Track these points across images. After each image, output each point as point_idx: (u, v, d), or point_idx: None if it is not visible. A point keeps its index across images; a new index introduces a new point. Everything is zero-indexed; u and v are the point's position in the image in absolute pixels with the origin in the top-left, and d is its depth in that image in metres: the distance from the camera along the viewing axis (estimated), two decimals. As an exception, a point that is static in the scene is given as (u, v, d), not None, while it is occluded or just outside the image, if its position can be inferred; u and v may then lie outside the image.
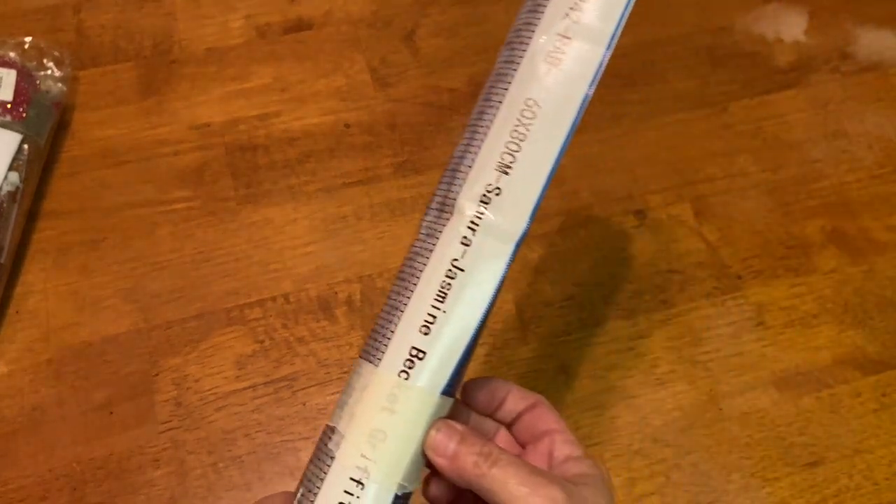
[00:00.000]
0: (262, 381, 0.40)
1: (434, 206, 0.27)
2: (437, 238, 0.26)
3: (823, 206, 0.47)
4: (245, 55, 0.51)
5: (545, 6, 0.26)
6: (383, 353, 0.25)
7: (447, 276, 0.25)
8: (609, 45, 0.25)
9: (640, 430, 0.40)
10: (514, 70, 0.25)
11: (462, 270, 0.25)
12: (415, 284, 0.25)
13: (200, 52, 0.51)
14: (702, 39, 0.53)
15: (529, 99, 0.25)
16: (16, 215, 0.42)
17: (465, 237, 0.25)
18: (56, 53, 0.47)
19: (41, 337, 0.41)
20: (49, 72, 0.46)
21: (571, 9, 0.25)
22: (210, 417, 0.39)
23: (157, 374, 0.40)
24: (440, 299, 0.25)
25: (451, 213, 0.25)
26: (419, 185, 0.46)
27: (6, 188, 0.41)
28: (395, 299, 0.26)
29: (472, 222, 0.25)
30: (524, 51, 0.25)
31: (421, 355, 0.25)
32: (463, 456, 0.24)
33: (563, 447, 0.26)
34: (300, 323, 0.42)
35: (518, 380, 0.41)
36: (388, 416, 0.24)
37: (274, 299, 0.42)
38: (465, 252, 0.25)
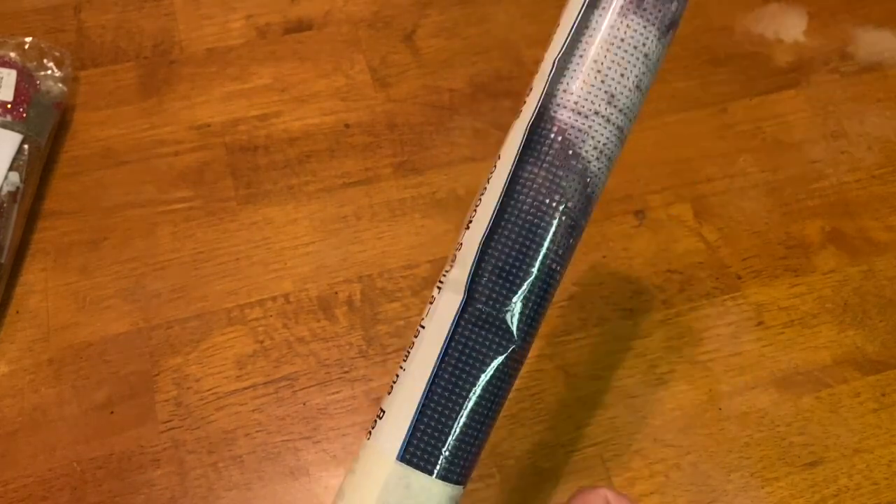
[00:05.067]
0: (263, 381, 0.40)
1: None
2: None
3: (823, 207, 0.47)
4: (245, 55, 0.51)
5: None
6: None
7: (413, 337, 0.24)
8: (548, 81, 0.24)
9: (640, 429, 0.40)
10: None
11: (423, 328, 0.24)
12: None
13: (201, 52, 0.51)
14: (701, 39, 0.53)
15: (497, 155, 0.25)
16: (16, 215, 0.42)
17: (432, 297, 0.24)
18: (56, 54, 0.47)
19: (41, 337, 0.41)
20: (49, 72, 0.46)
21: (541, 63, 0.25)
22: (210, 417, 0.39)
23: (157, 374, 0.40)
24: (404, 359, 0.24)
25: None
26: (419, 185, 0.46)
27: (6, 188, 0.42)
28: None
29: (440, 281, 0.24)
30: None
31: (381, 414, 0.24)
32: None
33: None
34: (300, 323, 0.42)
35: (518, 380, 0.41)
36: (349, 477, 0.24)
37: (274, 299, 0.42)
38: (428, 310, 0.24)
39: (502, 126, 0.49)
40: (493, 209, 0.23)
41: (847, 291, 0.44)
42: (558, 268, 0.24)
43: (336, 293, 0.43)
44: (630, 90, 0.24)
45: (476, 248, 0.23)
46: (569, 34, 0.23)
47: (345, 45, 0.52)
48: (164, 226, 0.45)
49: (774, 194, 0.47)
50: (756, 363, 0.42)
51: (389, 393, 0.24)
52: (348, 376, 0.41)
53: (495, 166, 0.24)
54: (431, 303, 0.24)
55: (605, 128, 0.23)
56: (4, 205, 0.41)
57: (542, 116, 0.23)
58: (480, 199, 0.24)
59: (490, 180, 0.24)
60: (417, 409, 0.23)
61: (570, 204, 0.23)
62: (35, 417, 0.39)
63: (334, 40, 0.52)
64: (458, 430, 0.24)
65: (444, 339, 0.23)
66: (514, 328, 0.24)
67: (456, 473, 0.24)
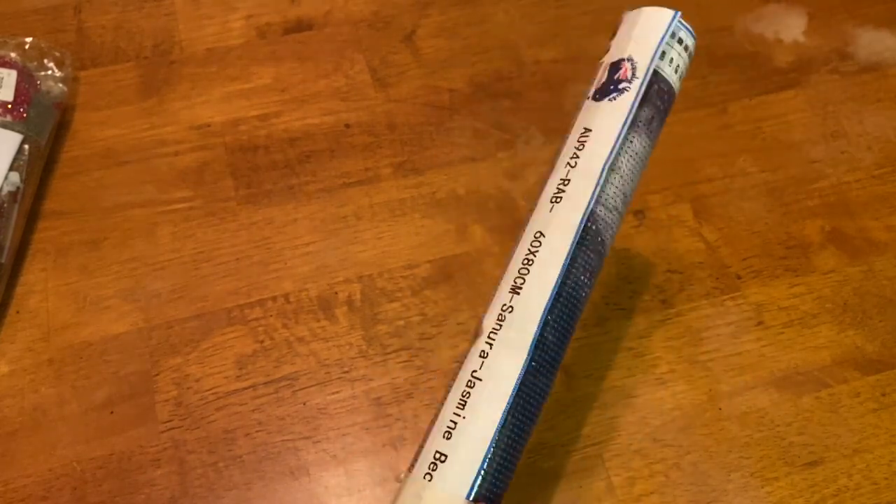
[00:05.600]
0: (263, 381, 0.40)
1: (473, 334, 0.30)
2: (466, 356, 0.29)
3: (823, 207, 0.47)
4: (245, 55, 0.51)
5: (556, 164, 0.31)
6: (416, 459, 0.28)
7: (467, 386, 0.28)
8: (599, 183, 0.29)
9: (640, 429, 0.40)
10: (532, 212, 0.30)
11: (479, 380, 0.28)
12: (446, 398, 0.29)
13: (201, 52, 0.51)
14: (701, 39, 0.53)
15: (538, 231, 0.29)
16: (16, 215, 0.42)
17: (483, 351, 0.28)
18: (57, 54, 0.47)
19: (42, 337, 0.41)
20: (50, 72, 0.46)
21: (573, 157, 0.30)
22: (210, 417, 0.39)
23: (157, 374, 0.40)
24: (461, 406, 0.28)
25: (478, 335, 0.29)
26: (419, 185, 0.46)
27: (7, 188, 0.42)
28: (434, 415, 0.29)
29: (490, 337, 0.28)
30: (539, 198, 0.31)
31: (443, 458, 0.27)
32: None
33: None
34: (300, 323, 0.42)
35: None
36: None
37: (274, 299, 0.42)
38: (482, 364, 0.28)
39: (502, 126, 0.49)
40: (553, 284, 0.28)
41: (847, 291, 0.44)
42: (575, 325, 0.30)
43: (336, 293, 0.43)
44: (634, 190, 0.31)
45: (539, 315, 0.28)
46: (614, 146, 0.30)
47: (345, 45, 0.52)
48: (164, 226, 0.45)
49: (774, 194, 0.47)
50: (756, 363, 0.42)
51: (448, 438, 0.27)
52: (348, 376, 0.41)
53: (541, 242, 0.29)
54: (484, 356, 0.28)
55: (619, 220, 0.30)
56: (5, 205, 0.41)
57: (593, 212, 0.29)
58: (528, 269, 0.29)
59: (537, 254, 0.29)
60: (487, 453, 0.27)
61: (593, 280, 0.30)
62: (35, 417, 0.39)
63: (334, 40, 0.52)
64: (513, 463, 0.28)
65: (510, 391, 0.28)
66: (557, 369, 0.29)
67: (502, 496, 0.28)
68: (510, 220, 0.46)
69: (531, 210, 0.31)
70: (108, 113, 0.48)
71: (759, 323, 0.43)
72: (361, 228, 0.45)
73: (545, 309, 0.28)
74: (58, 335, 0.41)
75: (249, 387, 0.40)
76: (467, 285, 0.43)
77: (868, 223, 0.47)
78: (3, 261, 0.41)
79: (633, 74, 0.31)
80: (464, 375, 0.28)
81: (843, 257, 0.45)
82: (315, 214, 0.45)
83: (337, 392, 0.40)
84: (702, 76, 0.52)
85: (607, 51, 0.33)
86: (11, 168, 0.42)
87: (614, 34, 0.33)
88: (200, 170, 0.47)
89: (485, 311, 0.30)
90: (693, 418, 0.40)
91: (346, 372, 0.41)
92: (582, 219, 0.29)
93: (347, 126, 0.49)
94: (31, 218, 0.44)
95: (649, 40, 0.32)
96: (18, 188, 0.42)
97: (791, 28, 0.54)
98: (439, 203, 0.46)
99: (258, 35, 0.52)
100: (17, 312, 0.42)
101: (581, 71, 0.51)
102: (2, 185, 0.41)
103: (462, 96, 0.50)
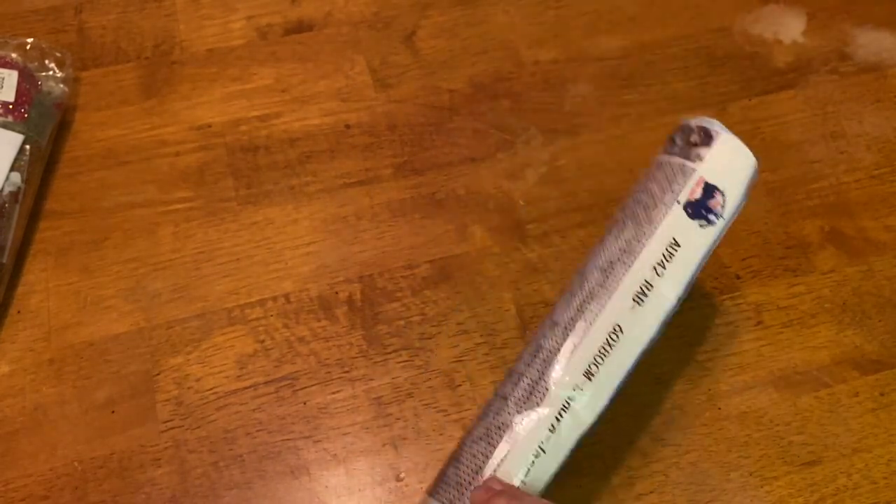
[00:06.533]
0: (263, 381, 0.40)
1: (524, 384, 0.33)
2: (524, 413, 0.32)
3: (822, 207, 0.47)
4: (246, 56, 0.51)
5: (638, 253, 0.33)
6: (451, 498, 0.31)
7: (534, 456, 0.31)
8: (678, 301, 0.33)
9: (640, 428, 0.40)
10: (608, 297, 0.33)
11: (544, 452, 0.32)
12: (506, 457, 0.31)
13: (201, 53, 0.51)
14: (700, 40, 0.54)
15: (617, 324, 0.32)
16: (17, 215, 0.42)
17: (552, 426, 0.32)
18: (58, 54, 0.47)
19: (43, 336, 0.41)
20: (51, 72, 0.47)
21: (660, 264, 0.33)
22: (211, 417, 0.39)
23: (158, 374, 0.40)
24: (525, 475, 0.31)
25: (543, 398, 0.32)
26: (419, 186, 0.47)
27: (8, 188, 0.42)
28: (481, 458, 0.32)
29: (560, 414, 0.32)
30: (617, 284, 0.33)
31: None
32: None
33: None
34: (301, 322, 0.42)
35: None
36: None
37: (275, 299, 0.43)
38: (549, 438, 0.32)
39: (502, 126, 0.49)
40: (622, 377, 0.33)
41: (846, 291, 0.44)
42: None
43: (336, 293, 0.43)
44: None
45: (604, 404, 0.33)
46: (695, 272, 0.34)
47: (345, 46, 0.52)
48: (164, 226, 0.45)
49: (774, 194, 0.48)
50: (755, 363, 0.42)
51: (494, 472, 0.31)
52: (349, 376, 0.41)
53: (618, 338, 0.32)
54: (552, 431, 0.32)
55: None
56: (6, 205, 0.41)
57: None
58: (604, 360, 0.32)
59: (614, 347, 0.32)
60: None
61: None
62: (36, 417, 0.39)
63: (335, 41, 0.52)
64: None
65: (564, 459, 0.32)
66: None
67: None
68: (510, 221, 0.46)
69: (601, 283, 0.33)
70: (109, 113, 0.48)
71: (759, 323, 0.43)
72: (362, 228, 0.45)
73: (610, 399, 0.32)
74: (59, 335, 0.41)
75: (250, 386, 0.40)
76: (467, 285, 0.43)
77: (867, 223, 0.47)
78: (4, 261, 0.41)
79: (722, 213, 0.34)
80: (529, 444, 0.31)
81: (843, 257, 0.46)
82: (315, 214, 0.45)
83: (337, 392, 0.40)
84: (701, 77, 0.52)
85: (697, 155, 0.35)
86: (12, 168, 0.42)
87: (704, 138, 0.36)
88: (201, 170, 0.47)
89: (531, 362, 0.33)
90: (692, 417, 0.40)
91: (347, 371, 0.41)
92: (660, 328, 0.33)
93: (348, 126, 0.49)
94: (33, 218, 0.44)
95: (740, 186, 0.34)
96: (19, 188, 0.42)
97: (790, 28, 0.54)
98: (439, 203, 0.46)
99: (259, 36, 0.52)
100: (18, 312, 0.42)
101: (581, 71, 0.52)
102: (3, 186, 0.41)
103: (462, 96, 0.50)
